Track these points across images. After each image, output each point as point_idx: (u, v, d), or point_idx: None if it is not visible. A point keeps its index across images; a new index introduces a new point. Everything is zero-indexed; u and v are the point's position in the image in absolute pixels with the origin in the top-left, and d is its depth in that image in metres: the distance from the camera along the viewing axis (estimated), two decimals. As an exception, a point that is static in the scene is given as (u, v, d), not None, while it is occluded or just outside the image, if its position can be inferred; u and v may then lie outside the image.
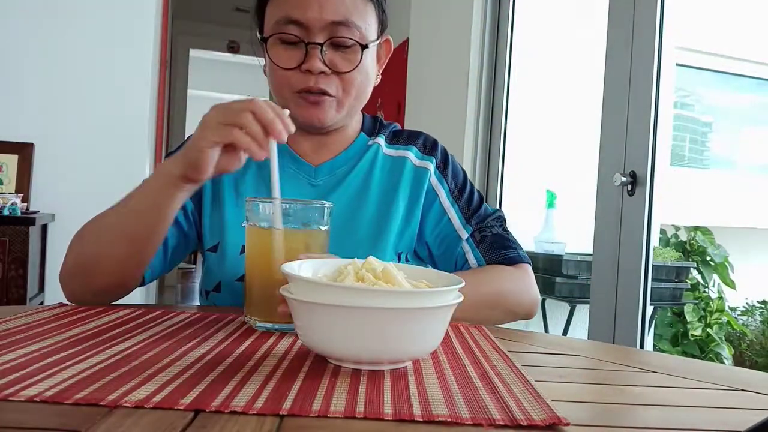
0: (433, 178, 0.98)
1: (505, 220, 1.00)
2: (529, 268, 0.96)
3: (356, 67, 0.89)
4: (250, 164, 0.95)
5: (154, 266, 0.89)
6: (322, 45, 0.87)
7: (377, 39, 0.93)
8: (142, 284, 0.88)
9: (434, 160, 1.00)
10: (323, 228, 0.74)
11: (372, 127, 1.03)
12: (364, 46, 0.89)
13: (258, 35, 0.94)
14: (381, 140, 1.01)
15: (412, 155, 0.99)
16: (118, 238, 0.81)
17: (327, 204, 0.74)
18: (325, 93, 0.89)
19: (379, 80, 0.99)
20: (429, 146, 1.01)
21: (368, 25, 0.90)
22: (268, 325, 0.70)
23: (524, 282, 0.93)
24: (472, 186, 1.02)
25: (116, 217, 0.82)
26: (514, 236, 0.98)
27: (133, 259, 0.82)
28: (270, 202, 0.72)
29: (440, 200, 0.98)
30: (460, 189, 1.00)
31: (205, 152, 0.72)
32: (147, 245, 0.82)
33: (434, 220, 0.98)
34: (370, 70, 0.93)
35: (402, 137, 1.02)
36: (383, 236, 0.93)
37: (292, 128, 0.73)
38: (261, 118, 0.70)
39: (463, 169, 1.03)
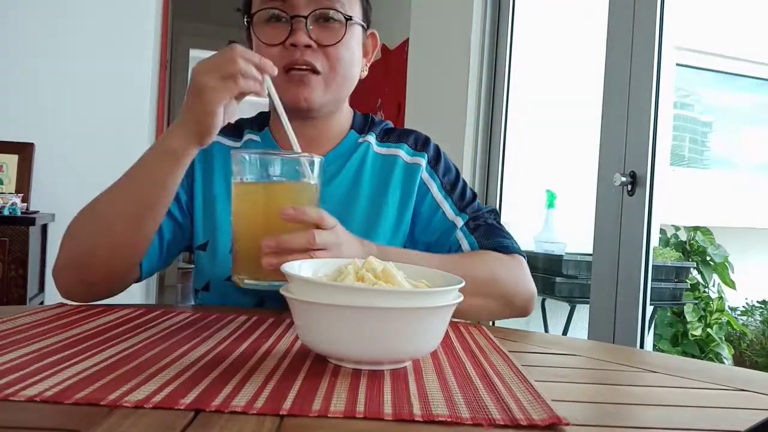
0: (424, 173, 0.98)
1: (498, 214, 0.99)
2: (523, 260, 0.94)
3: (341, 40, 0.89)
4: None
5: (151, 260, 0.88)
6: (306, 18, 0.87)
7: (362, 23, 0.94)
8: (139, 279, 0.88)
9: (426, 155, 0.99)
10: (313, 182, 0.73)
11: (363, 124, 1.02)
12: (348, 18, 0.90)
13: (245, 23, 0.94)
14: (371, 138, 1.00)
15: (403, 153, 0.99)
16: (116, 219, 0.79)
17: (316, 157, 0.73)
18: (311, 69, 0.88)
19: (365, 74, 0.99)
20: (420, 143, 1.01)
21: (352, 8, 0.92)
22: (255, 282, 0.69)
23: (518, 271, 0.91)
24: (464, 183, 1.01)
25: (112, 198, 0.80)
26: (507, 230, 0.97)
27: (130, 242, 0.80)
28: (254, 155, 0.72)
29: (432, 194, 0.97)
30: (453, 183, 0.99)
31: (218, 113, 0.73)
32: (145, 226, 0.80)
33: (427, 215, 0.97)
34: (355, 52, 0.93)
35: (393, 135, 1.02)
36: (374, 236, 0.93)
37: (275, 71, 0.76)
38: (250, 60, 0.73)
39: (456, 167, 1.02)
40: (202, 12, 5.21)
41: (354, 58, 0.93)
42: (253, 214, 0.71)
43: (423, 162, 0.98)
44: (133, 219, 0.79)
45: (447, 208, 0.96)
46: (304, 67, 0.88)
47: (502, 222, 0.99)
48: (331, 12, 0.89)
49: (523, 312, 0.91)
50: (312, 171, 0.73)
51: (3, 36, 2.30)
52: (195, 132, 0.75)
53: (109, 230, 0.79)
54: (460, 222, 0.95)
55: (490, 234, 0.94)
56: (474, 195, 1.00)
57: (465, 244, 0.94)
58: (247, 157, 0.72)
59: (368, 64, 1.00)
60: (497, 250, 0.93)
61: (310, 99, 0.90)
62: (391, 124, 1.05)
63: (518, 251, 0.94)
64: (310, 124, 0.95)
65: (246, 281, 0.70)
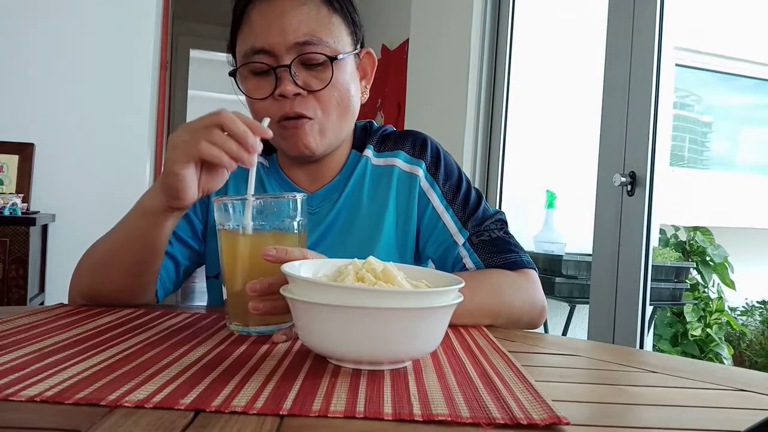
0: (423, 182, 0.94)
1: (506, 223, 0.94)
2: (533, 273, 0.90)
3: (329, 83, 0.85)
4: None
5: (167, 285, 0.89)
6: (290, 66, 0.83)
7: (351, 52, 0.89)
8: (157, 302, 0.88)
9: (424, 163, 0.95)
10: (296, 222, 0.70)
11: (362, 137, 0.98)
12: (333, 59, 0.85)
13: (229, 74, 0.89)
14: (369, 151, 0.96)
15: (400, 161, 0.95)
16: (113, 269, 0.81)
17: (299, 195, 0.71)
18: (302, 116, 0.85)
19: (366, 97, 0.94)
20: (418, 148, 0.96)
21: (337, 39, 0.87)
22: (245, 329, 0.69)
23: (528, 290, 0.87)
24: (468, 185, 0.96)
25: (106, 249, 0.82)
26: (516, 240, 0.92)
27: (132, 286, 0.82)
28: (237, 200, 0.69)
29: (433, 205, 0.93)
30: (454, 190, 0.94)
31: (179, 175, 0.70)
32: (143, 274, 0.82)
33: (429, 228, 0.93)
34: (349, 86, 0.88)
35: (390, 142, 0.98)
36: (375, 251, 0.89)
37: (269, 133, 0.71)
38: (230, 131, 0.68)
39: (458, 167, 0.98)
40: (202, 12, 5.21)
41: (349, 94, 0.88)
42: (238, 260, 0.70)
43: (421, 171, 0.94)
44: (128, 269, 0.81)
45: (448, 219, 0.92)
46: (296, 116, 0.85)
47: (509, 229, 0.94)
48: (316, 56, 0.84)
49: (530, 327, 0.87)
50: (295, 211, 0.70)
51: (3, 36, 2.30)
52: (164, 193, 0.73)
53: (108, 278, 0.81)
54: (461, 239, 0.91)
55: (496, 249, 0.89)
56: (479, 199, 0.95)
57: (469, 263, 0.90)
58: (228, 203, 0.69)
59: (368, 86, 0.95)
60: (504, 267, 0.88)
61: (311, 146, 0.87)
62: (390, 129, 1.01)
63: (527, 265, 0.89)
64: (313, 167, 0.94)
65: (241, 329, 0.69)
